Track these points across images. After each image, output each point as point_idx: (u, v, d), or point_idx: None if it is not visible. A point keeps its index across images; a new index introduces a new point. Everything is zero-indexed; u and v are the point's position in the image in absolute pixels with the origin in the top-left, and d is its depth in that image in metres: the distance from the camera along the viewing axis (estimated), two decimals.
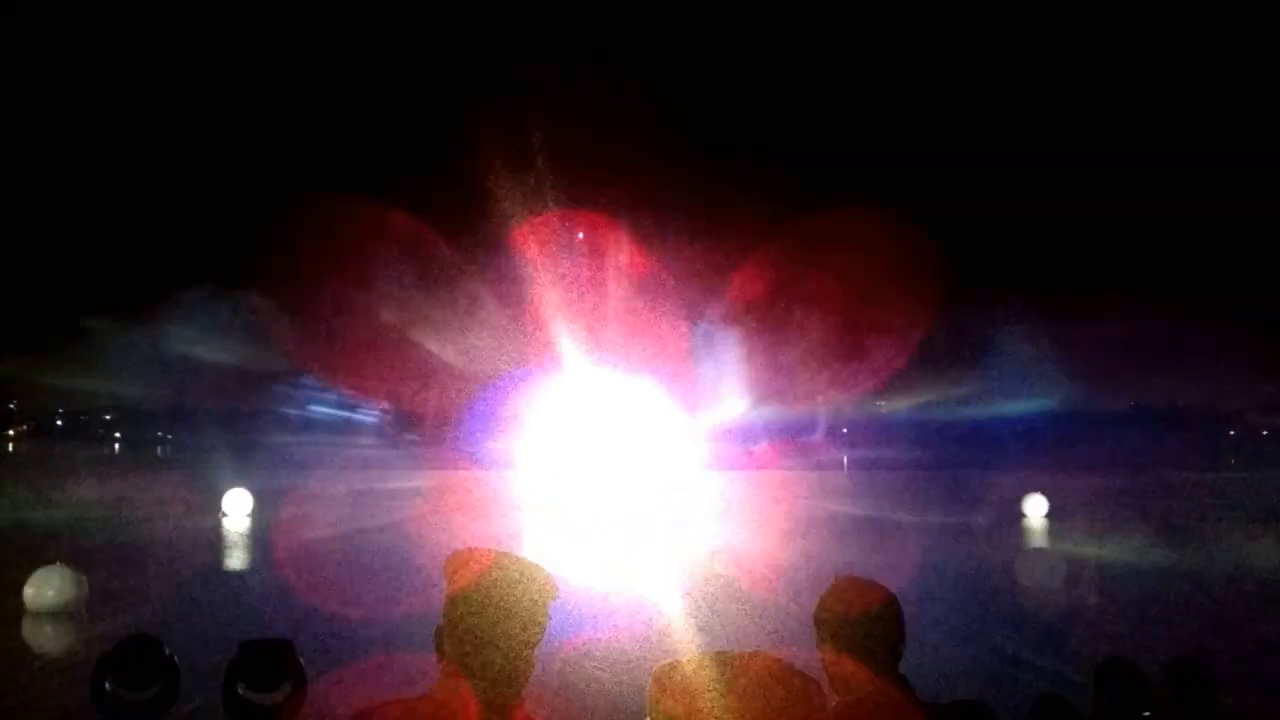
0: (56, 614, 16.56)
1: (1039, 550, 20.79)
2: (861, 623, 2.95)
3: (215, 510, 34.59)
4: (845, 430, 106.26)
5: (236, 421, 79.29)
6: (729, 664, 1.95)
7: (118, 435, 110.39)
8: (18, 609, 16.61)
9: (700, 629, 15.83)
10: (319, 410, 79.42)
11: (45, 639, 15.73)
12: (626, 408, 49.75)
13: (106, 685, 3.63)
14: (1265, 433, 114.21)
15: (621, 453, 47.60)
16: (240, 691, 3.61)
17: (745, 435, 67.29)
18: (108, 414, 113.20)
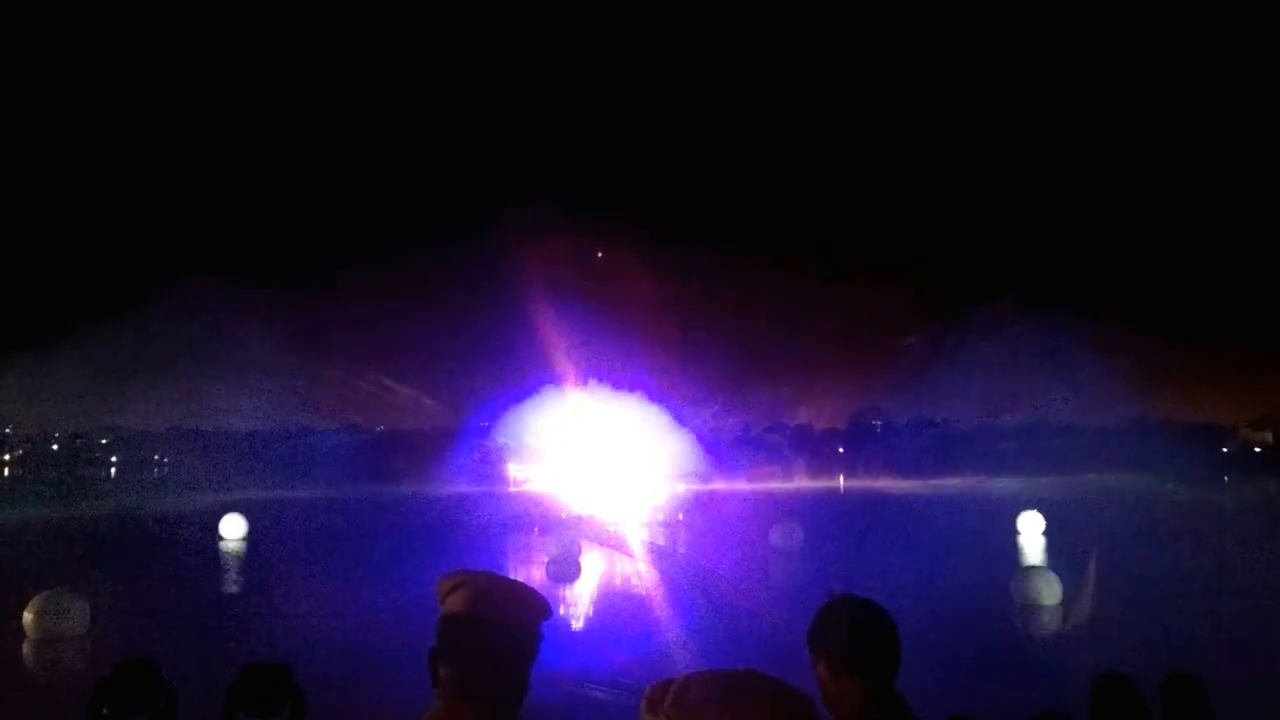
0: (56, 638, 16.52)
1: (1033, 566, 20.77)
2: (857, 640, 2.96)
3: (211, 534, 34.54)
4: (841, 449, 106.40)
5: (233, 444, 79.13)
6: (722, 682, 1.95)
7: (114, 459, 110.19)
8: (18, 633, 16.57)
9: (694, 647, 15.81)
10: (318, 433, 79.24)
11: (45, 663, 15.68)
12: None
13: (105, 709, 3.63)
14: (1259, 449, 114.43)
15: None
16: (240, 715, 3.62)
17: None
18: (103, 437, 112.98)
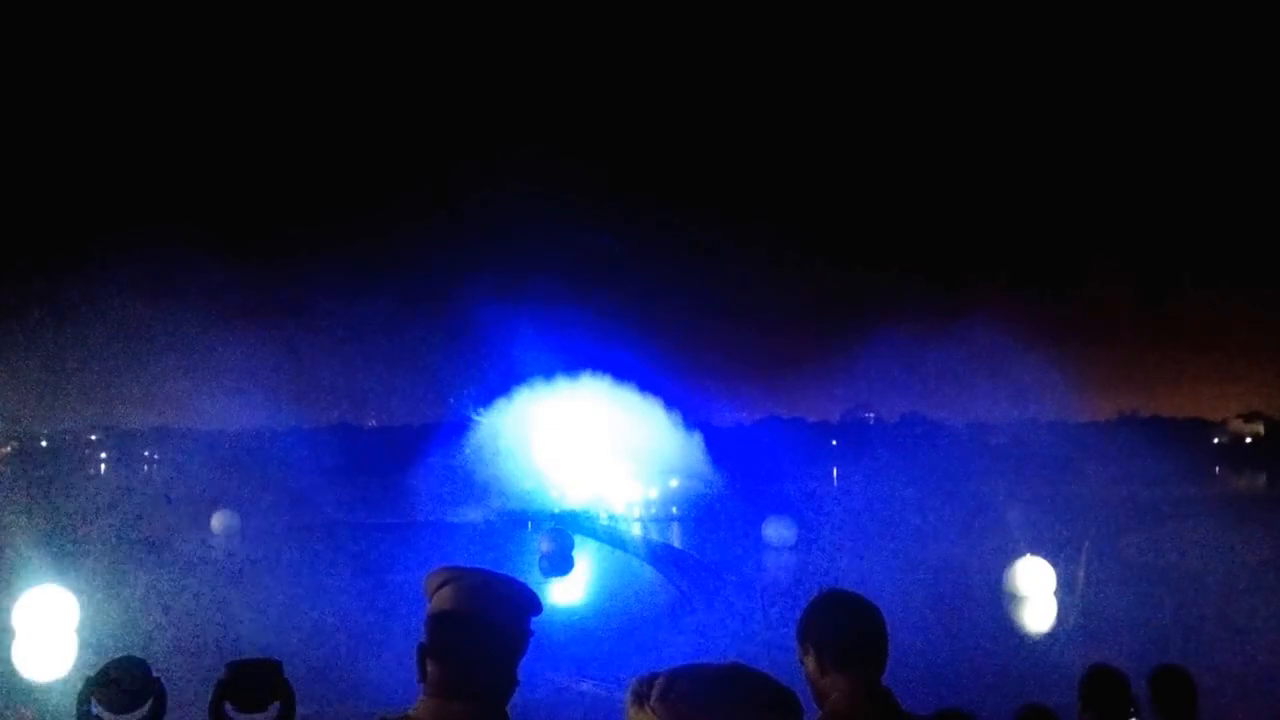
0: (45, 635, 16.49)
1: (1025, 559, 20.85)
2: (846, 635, 2.96)
3: (202, 530, 34.53)
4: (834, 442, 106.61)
5: (223, 441, 79.08)
6: (707, 676, 1.96)
7: (103, 455, 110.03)
8: (6, 629, 16.53)
9: (684, 641, 15.84)
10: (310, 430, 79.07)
11: (33, 660, 15.65)
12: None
13: (93, 707, 3.63)
14: (1249, 441, 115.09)
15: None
16: (228, 712, 3.61)
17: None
18: (93, 434, 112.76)
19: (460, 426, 55.71)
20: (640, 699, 1.92)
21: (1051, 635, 17.64)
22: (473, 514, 42.53)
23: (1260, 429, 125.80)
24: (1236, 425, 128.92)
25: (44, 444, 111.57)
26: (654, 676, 1.94)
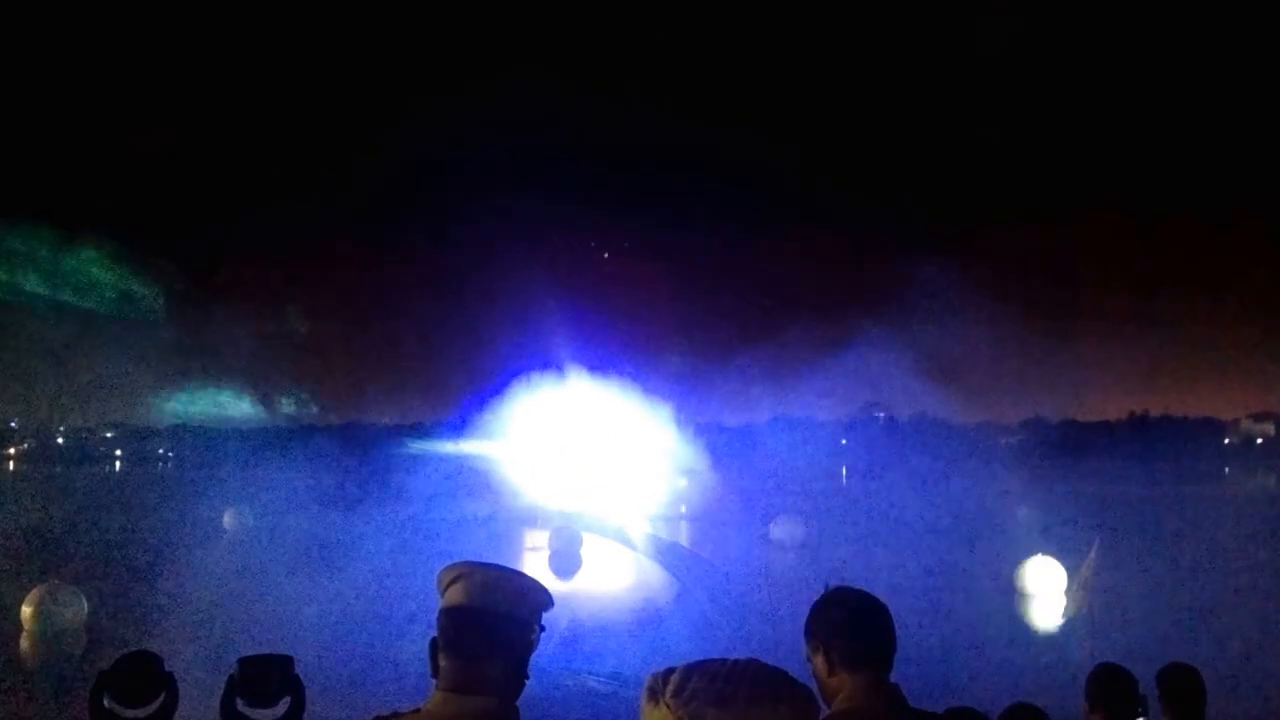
0: (55, 631, 16.54)
1: (1036, 557, 20.85)
2: (853, 633, 2.96)
3: (214, 527, 34.64)
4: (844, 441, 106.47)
5: (236, 439, 79.23)
6: (722, 672, 1.96)
7: (118, 453, 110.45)
8: (17, 626, 16.59)
9: (695, 639, 15.85)
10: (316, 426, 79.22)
11: (44, 656, 15.71)
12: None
13: (105, 702, 3.65)
14: (1260, 441, 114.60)
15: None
16: (239, 707, 3.63)
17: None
18: (108, 431, 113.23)
19: (471, 425, 55.81)
20: (655, 695, 1.93)
21: (1061, 634, 17.61)
22: (483, 511, 42.65)
23: (1271, 429, 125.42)
24: (1247, 425, 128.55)
25: (59, 441, 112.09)
26: (669, 672, 1.95)
